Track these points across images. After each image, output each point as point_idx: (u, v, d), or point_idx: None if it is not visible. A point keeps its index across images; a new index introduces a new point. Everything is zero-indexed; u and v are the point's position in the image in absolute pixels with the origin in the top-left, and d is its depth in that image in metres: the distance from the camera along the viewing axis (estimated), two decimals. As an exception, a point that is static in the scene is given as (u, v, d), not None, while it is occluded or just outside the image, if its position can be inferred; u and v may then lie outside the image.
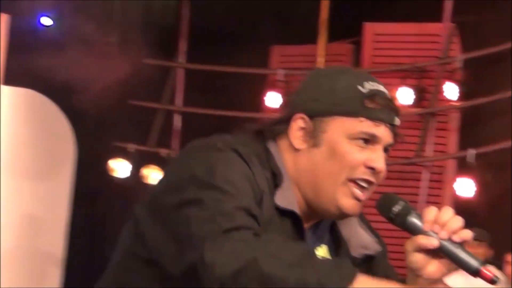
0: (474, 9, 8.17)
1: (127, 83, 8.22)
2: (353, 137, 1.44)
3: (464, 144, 7.85)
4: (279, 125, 1.59)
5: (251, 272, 1.22)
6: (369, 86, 1.50)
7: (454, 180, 7.52)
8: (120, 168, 8.26)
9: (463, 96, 7.61)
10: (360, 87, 1.48)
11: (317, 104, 1.55)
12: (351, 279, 1.23)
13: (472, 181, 7.32)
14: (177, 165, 1.63)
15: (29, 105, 8.72)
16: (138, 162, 8.44)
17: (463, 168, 7.47)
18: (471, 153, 7.24)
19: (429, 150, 7.88)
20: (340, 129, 1.47)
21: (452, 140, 7.96)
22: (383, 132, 1.46)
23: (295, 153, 1.53)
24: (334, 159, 1.48)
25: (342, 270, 1.27)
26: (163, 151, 8.09)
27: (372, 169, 1.46)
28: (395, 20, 8.65)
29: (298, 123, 1.52)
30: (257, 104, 8.51)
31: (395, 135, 1.50)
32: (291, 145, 1.53)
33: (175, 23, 9.37)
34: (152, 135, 8.35)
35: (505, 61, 7.64)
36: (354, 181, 1.49)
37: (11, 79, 8.19)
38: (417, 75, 8.15)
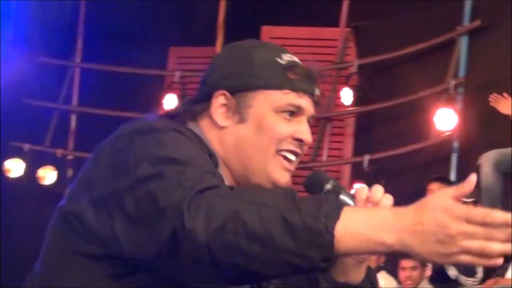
0: (369, 14, 8.27)
1: (22, 82, 8.00)
2: (280, 110, 1.41)
3: (359, 149, 7.80)
4: (197, 105, 1.53)
5: (235, 224, 1.15)
6: (287, 58, 1.48)
7: (350, 185, 7.43)
8: (14, 168, 8.01)
9: (359, 101, 7.51)
10: (279, 59, 1.46)
11: (238, 79, 1.51)
12: (337, 215, 1.17)
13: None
14: (114, 150, 1.42)
15: None
16: (34, 162, 8.19)
17: (358, 173, 7.44)
18: (366, 158, 7.24)
19: (324, 155, 7.83)
20: (265, 102, 1.44)
21: (348, 145, 7.97)
22: (306, 104, 1.44)
23: (219, 131, 1.48)
24: (262, 133, 1.44)
25: (326, 206, 1.20)
26: (59, 151, 7.86)
27: (300, 140, 1.43)
28: (293, 24, 8.62)
29: (220, 100, 1.47)
30: (155, 105, 8.15)
31: (316, 105, 1.47)
32: (214, 124, 1.47)
33: (73, 22, 9.19)
34: (48, 134, 8.13)
35: (400, 67, 7.63)
36: (282, 153, 1.46)
37: None
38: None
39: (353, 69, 7.84)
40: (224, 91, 1.46)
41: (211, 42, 8.64)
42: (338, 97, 7.80)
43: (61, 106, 8.76)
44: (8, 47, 8.37)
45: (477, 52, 7.54)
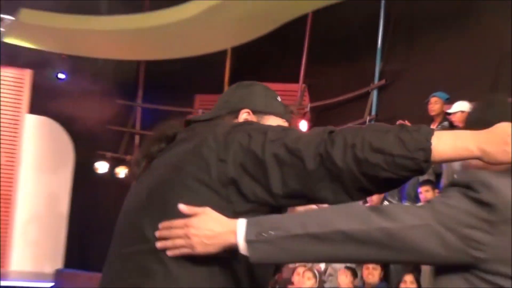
0: (316, 75, 10.64)
1: (107, 114, 11.02)
2: None
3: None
4: (228, 116, 1.92)
5: (362, 143, 1.51)
6: (279, 98, 1.99)
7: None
8: (101, 167, 11.26)
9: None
10: (278, 98, 1.97)
11: (256, 104, 1.96)
12: (432, 132, 1.56)
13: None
14: (239, 132, 1.70)
15: (44, 127, 11.84)
16: (114, 163, 11.36)
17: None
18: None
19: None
20: (273, 123, 1.86)
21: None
22: None
23: None
24: None
25: (424, 128, 1.58)
26: (128, 157, 10.92)
27: None
28: (267, 80, 10.46)
29: (244, 115, 1.92)
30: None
31: None
32: None
33: (136, 76, 12.39)
34: (121, 146, 11.57)
35: (337, 107, 10.03)
36: None
37: (34, 111, 11.57)
38: None
39: (307, 109, 10.21)
40: (248, 110, 1.91)
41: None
42: (297, 127, 9.09)
43: (130, 129, 11.97)
44: (103, 95, 11.24)
45: (383, 99, 9.52)
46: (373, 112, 9.37)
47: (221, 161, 1.68)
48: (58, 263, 11.41)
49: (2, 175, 11.25)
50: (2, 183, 11.17)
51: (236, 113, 1.89)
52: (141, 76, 12.17)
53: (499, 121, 1.72)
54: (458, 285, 1.68)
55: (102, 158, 11.46)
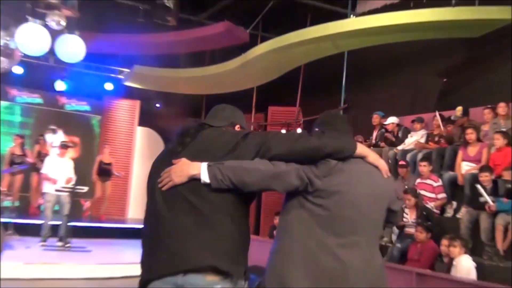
0: (308, 100, 11.58)
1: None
2: None
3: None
4: (228, 126, 2.40)
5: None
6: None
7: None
8: None
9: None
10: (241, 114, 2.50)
11: (240, 120, 2.46)
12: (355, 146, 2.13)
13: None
14: (247, 139, 2.28)
15: (148, 134, 13.75)
16: None
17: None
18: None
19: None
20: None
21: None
22: None
23: None
24: None
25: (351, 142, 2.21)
26: None
27: None
28: (283, 105, 12.61)
29: (237, 127, 2.40)
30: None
31: None
32: None
33: (201, 103, 13.55)
34: None
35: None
36: None
37: (141, 124, 13.46)
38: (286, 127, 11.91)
39: (301, 122, 11.71)
40: (239, 125, 2.39)
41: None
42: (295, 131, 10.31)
43: None
44: (181, 115, 12.61)
45: (347, 116, 9.50)
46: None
47: (236, 144, 2.27)
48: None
49: (122, 164, 12.92)
50: (122, 169, 12.69)
51: (233, 125, 2.46)
52: (204, 102, 13.76)
53: (329, 122, 2.61)
54: (293, 202, 2.36)
55: None
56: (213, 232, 2.14)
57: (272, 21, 10.57)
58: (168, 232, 2.16)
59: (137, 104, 13.51)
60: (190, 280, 2.13)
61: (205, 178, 2.15)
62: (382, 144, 8.93)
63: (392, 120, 8.80)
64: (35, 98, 13.00)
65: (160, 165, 2.32)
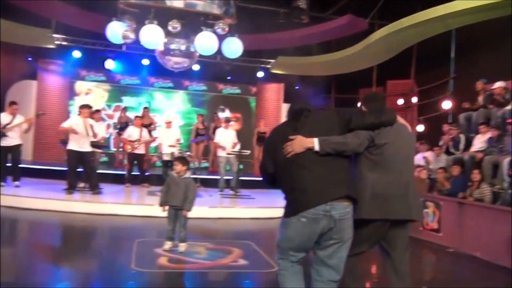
0: (424, 72, 11.18)
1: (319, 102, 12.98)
2: None
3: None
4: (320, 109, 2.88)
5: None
6: None
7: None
8: None
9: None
10: None
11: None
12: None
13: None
14: (339, 114, 2.87)
15: None
16: None
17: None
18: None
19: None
20: None
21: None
22: None
23: None
24: None
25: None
26: None
27: None
28: (399, 79, 11.91)
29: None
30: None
31: None
32: None
33: (329, 82, 13.35)
34: None
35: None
36: None
37: (286, 101, 13.10)
38: (403, 97, 11.81)
39: (416, 92, 11.24)
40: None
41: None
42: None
43: None
44: (316, 93, 12.56)
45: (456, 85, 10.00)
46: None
47: (339, 119, 2.86)
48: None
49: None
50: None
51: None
52: (334, 81, 13.64)
53: (375, 98, 3.18)
54: (360, 155, 3.01)
55: None
56: (339, 174, 2.74)
57: (387, 11, 10.36)
58: (313, 178, 2.69)
59: (281, 86, 13.81)
60: (334, 206, 2.66)
61: (317, 149, 2.71)
62: (490, 106, 8.51)
63: (499, 84, 8.40)
64: (201, 86, 13.96)
65: (284, 135, 2.81)
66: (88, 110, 8.57)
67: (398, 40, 9.50)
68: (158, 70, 11.10)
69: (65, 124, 8.20)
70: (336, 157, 2.72)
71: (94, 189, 8.39)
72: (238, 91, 14.05)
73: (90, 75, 13.20)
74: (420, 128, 10.77)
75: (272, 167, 2.86)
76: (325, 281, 2.74)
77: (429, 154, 8.82)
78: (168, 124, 10.09)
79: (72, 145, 8.16)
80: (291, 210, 2.72)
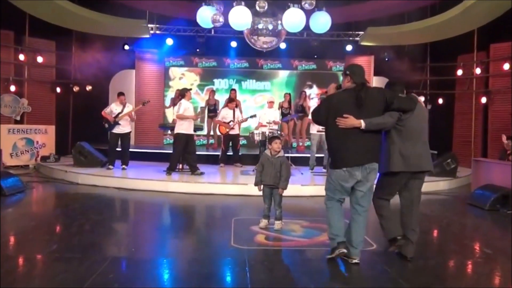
0: None
1: (410, 73, 11.69)
2: None
3: None
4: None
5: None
6: None
7: None
8: None
9: None
10: None
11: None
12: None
13: None
14: (385, 93, 3.94)
15: (383, 82, 12.41)
16: None
17: None
18: None
19: None
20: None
21: None
22: None
23: None
24: None
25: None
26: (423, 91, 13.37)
27: None
28: (504, 41, 10.83)
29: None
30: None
31: None
32: None
33: (425, 51, 12.68)
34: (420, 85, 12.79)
35: None
36: None
37: (376, 74, 13.03)
38: (510, 61, 10.62)
39: None
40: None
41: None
42: None
43: (421, 78, 12.40)
44: (409, 61, 12.01)
45: None
46: None
47: (385, 97, 3.89)
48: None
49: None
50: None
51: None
52: (428, 49, 12.96)
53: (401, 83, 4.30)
54: (391, 129, 4.07)
55: (412, 92, 12.71)
56: (373, 143, 3.98)
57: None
58: (355, 145, 3.91)
59: (371, 59, 13.48)
60: (365, 166, 3.95)
61: (363, 127, 3.87)
62: None
63: None
64: (311, 65, 13.89)
65: (346, 108, 3.90)
66: (190, 93, 9.03)
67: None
68: (248, 51, 11.36)
69: (181, 110, 8.63)
70: (372, 132, 3.88)
71: (196, 170, 8.76)
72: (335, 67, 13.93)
73: (181, 61, 13.80)
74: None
75: (325, 117, 4.00)
76: (360, 212, 4.11)
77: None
78: (270, 104, 10.28)
79: (182, 129, 8.58)
80: (337, 164, 3.97)
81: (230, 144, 10.25)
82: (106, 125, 9.22)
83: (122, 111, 9.02)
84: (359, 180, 3.93)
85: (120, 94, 9.32)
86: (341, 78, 12.56)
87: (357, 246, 4.05)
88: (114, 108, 9.10)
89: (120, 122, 9.01)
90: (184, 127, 8.53)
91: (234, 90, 12.03)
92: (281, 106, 11.70)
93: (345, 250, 3.99)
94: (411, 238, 4.18)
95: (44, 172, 9.74)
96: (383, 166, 4.07)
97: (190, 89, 9.51)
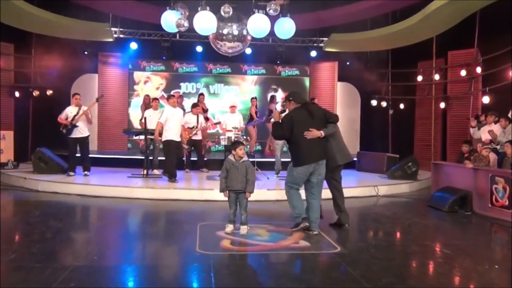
0: (489, 40, 10.26)
1: (373, 80, 12.54)
2: None
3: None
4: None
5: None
6: None
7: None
8: (373, 103, 12.84)
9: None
10: None
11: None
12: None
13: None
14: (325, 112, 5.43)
15: (345, 87, 13.56)
16: (379, 100, 13.56)
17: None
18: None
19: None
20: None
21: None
22: None
23: None
24: None
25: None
26: (386, 98, 13.61)
27: None
28: (461, 48, 11.18)
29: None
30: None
31: None
32: None
33: (387, 57, 12.86)
34: (383, 91, 13.66)
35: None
36: None
37: (340, 80, 13.28)
38: (466, 67, 10.87)
39: (480, 61, 10.42)
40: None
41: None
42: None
43: (385, 83, 12.55)
44: (369, 69, 12.37)
45: None
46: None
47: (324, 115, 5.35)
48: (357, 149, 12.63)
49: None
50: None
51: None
52: (389, 55, 13.23)
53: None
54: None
55: (374, 98, 12.93)
56: (322, 145, 5.27)
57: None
58: (311, 147, 5.14)
59: (335, 64, 13.73)
60: (318, 162, 5.22)
61: (322, 136, 5.23)
62: None
63: None
64: (260, 70, 14.05)
65: (304, 121, 5.24)
66: (176, 98, 9.12)
67: (459, 8, 9.08)
68: (214, 56, 11.32)
69: (162, 119, 8.57)
70: (322, 138, 5.22)
71: (173, 177, 8.71)
72: (297, 72, 14.05)
73: (150, 65, 13.64)
74: (486, 99, 10.28)
75: (289, 131, 5.19)
76: (315, 196, 5.30)
77: (495, 127, 8.41)
78: (232, 108, 10.33)
79: (169, 135, 8.54)
80: (298, 162, 5.18)
81: (192, 149, 10.18)
82: (64, 131, 8.96)
83: (78, 113, 8.74)
84: (312, 172, 5.11)
85: (75, 94, 9.09)
86: (307, 83, 13.73)
87: (315, 221, 5.22)
88: (69, 111, 8.85)
89: (77, 124, 8.74)
90: (172, 134, 8.55)
91: (203, 94, 11.97)
92: (250, 112, 11.73)
93: (307, 224, 5.17)
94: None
95: (2, 179, 9.37)
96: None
97: (175, 94, 9.49)
